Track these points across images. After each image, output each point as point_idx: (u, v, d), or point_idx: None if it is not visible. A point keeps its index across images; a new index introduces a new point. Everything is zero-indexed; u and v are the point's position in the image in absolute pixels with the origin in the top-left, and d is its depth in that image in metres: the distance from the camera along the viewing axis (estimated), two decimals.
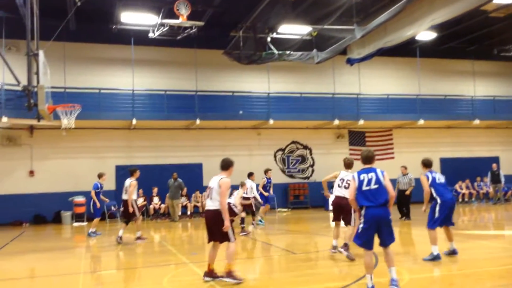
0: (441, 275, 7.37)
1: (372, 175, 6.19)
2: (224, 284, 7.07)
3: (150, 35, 17.86)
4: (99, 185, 14.27)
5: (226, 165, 7.41)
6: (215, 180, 7.26)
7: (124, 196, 12.61)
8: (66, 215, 18.60)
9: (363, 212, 6.18)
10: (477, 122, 23.40)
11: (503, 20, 19.47)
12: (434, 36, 20.77)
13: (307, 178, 22.94)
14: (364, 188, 6.15)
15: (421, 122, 22.53)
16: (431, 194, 8.51)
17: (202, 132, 21.15)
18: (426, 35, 19.85)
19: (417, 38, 19.63)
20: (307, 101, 21.90)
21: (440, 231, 8.65)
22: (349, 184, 9.24)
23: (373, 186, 6.13)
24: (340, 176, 9.33)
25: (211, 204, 7.16)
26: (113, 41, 19.81)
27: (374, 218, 6.09)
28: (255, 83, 22.08)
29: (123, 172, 19.92)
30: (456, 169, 23.84)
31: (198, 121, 19.60)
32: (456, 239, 11.60)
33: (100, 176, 14.34)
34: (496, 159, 24.49)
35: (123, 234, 12.33)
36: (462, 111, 24.39)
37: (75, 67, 19.62)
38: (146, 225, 17.32)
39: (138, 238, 12.44)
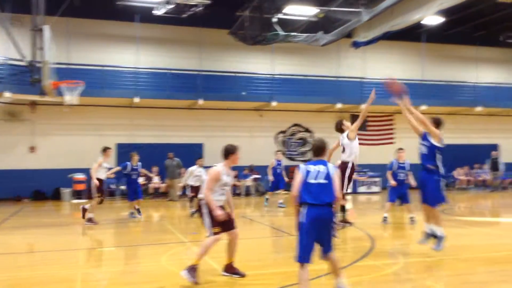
0: (436, 259, 7.46)
1: (322, 167, 5.23)
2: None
3: (155, 12, 17.72)
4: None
5: (226, 152, 6.45)
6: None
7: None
8: (66, 191, 18.74)
9: (303, 211, 5.15)
10: (479, 109, 23.35)
11: (510, 6, 19.27)
12: (441, 21, 20.59)
13: (307, 161, 23.01)
14: (310, 180, 5.17)
15: (423, 107, 22.47)
16: (434, 161, 7.52)
17: (204, 112, 21.15)
18: (432, 19, 19.68)
19: (423, 22, 19.47)
20: (310, 83, 21.82)
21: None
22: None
23: (321, 180, 5.16)
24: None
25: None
26: (117, 17, 19.70)
27: (318, 220, 5.08)
28: (259, 64, 22.00)
29: (124, 150, 20.01)
30: (455, 155, 23.82)
31: (201, 101, 19.59)
32: (452, 225, 11.74)
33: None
34: (495, 147, 24.50)
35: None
36: (465, 97, 24.32)
37: (79, 43, 19.57)
38: (146, 204, 17.45)
39: (89, 220, 11.64)
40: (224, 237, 6.40)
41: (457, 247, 8.51)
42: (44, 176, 19.09)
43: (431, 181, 7.52)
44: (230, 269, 6.48)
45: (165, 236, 10.13)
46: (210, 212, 6.16)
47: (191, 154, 20.21)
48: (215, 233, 6.18)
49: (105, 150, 12.09)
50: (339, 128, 9.64)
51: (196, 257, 6.10)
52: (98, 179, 11.78)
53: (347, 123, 9.64)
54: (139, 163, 12.97)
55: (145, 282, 6.38)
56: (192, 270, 6.03)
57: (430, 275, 6.59)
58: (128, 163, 12.84)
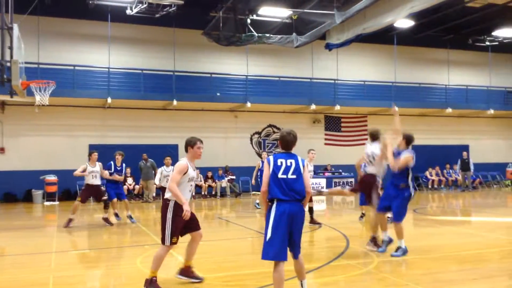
0: (408, 258, 7.60)
1: (292, 161, 5.05)
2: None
3: (128, 12, 17.55)
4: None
5: (185, 145, 6.07)
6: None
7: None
8: (37, 193, 18.32)
9: (273, 207, 4.97)
10: (449, 110, 23.88)
11: (479, 10, 19.80)
12: (412, 24, 21.01)
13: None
14: (280, 175, 4.97)
15: (395, 109, 22.85)
16: (406, 180, 7.62)
17: (178, 113, 21.00)
18: (404, 22, 20.06)
19: (395, 25, 19.81)
20: (285, 85, 21.95)
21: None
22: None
23: (290, 175, 4.98)
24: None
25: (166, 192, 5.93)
26: (89, 17, 19.39)
27: (287, 216, 4.90)
28: (233, 65, 21.99)
29: (97, 152, 19.72)
30: (427, 156, 24.39)
31: (175, 102, 19.45)
32: (425, 224, 11.98)
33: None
34: (466, 147, 25.10)
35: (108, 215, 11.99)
36: (436, 99, 24.88)
37: (50, 42, 19.19)
38: (120, 206, 17.20)
39: (70, 220, 11.41)
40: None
41: (429, 246, 8.69)
42: (15, 178, 18.64)
43: (400, 197, 7.66)
44: (186, 272, 6.09)
45: (140, 238, 10.01)
46: (174, 217, 5.75)
47: (165, 155, 20.08)
48: (172, 243, 5.76)
49: (90, 154, 11.95)
50: (376, 137, 8.34)
51: (151, 269, 5.75)
52: (87, 184, 11.66)
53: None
54: (124, 164, 12.34)
55: (120, 284, 6.30)
56: (152, 283, 5.72)
57: (403, 274, 6.70)
58: (112, 163, 12.12)
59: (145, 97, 19.47)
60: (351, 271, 6.79)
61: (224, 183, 20.30)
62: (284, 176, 4.97)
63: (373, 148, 8.28)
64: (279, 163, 5.04)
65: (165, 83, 19.95)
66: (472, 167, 22.54)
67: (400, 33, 22.80)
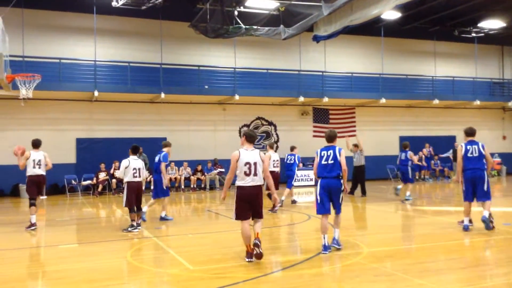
0: (397, 248, 7.68)
1: (330, 152, 7.44)
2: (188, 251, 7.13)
3: (114, 3, 17.31)
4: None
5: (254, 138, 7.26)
6: (254, 154, 7.03)
7: (39, 171, 11.16)
8: (25, 188, 18.09)
9: (319, 182, 7.51)
10: (436, 102, 24.07)
11: (465, 2, 19.94)
12: (399, 16, 21.09)
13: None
14: (323, 162, 7.44)
15: (383, 101, 23.01)
16: (484, 166, 9.07)
17: (166, 106, 20.89)
18: (390, 14, 20.14)
19: (382, 17, 19.87)
20: (273, 77, 21.93)
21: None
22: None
23: (330, 161, 7.40)
24: None
25: (257, 180, 7.11)
26: (74, 9, 19.18)
27: (327, 187, 7.39)
28: (221, 57, 21.90)
29: (84, 145, 19.60)
30: (414, 147, 24.57)
31: (162, 95, 19.34)
32: (413, 215, 12.12)
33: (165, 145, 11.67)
34: (453, 138, 25.34)
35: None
36: (423, 91, 25.05)
37: (35, 35, 18.93)
38: (108, 200, 17.14)
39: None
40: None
41: (419, 236, 8.81)
42: (1, 173, 18.45)
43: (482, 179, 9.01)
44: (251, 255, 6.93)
45: (130, 232, 9.96)
46: None
47: (154, 148, 19.97)
48: None
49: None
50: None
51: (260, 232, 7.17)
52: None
53: None
54: (167, 154, 11.07)
55: (108, 278, 6.27)
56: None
57: (392, 264, 6.76)
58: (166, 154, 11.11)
59: (132, 90, 19.33)
60: (340, 261, 6.85)
61: (213, 175, 20.28)
62: (326, 162, 7.44)
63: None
64: (322, 154, 7.52)
65: (152, 76, 19.81)
66: None
67: (387, 25, 22.88)
